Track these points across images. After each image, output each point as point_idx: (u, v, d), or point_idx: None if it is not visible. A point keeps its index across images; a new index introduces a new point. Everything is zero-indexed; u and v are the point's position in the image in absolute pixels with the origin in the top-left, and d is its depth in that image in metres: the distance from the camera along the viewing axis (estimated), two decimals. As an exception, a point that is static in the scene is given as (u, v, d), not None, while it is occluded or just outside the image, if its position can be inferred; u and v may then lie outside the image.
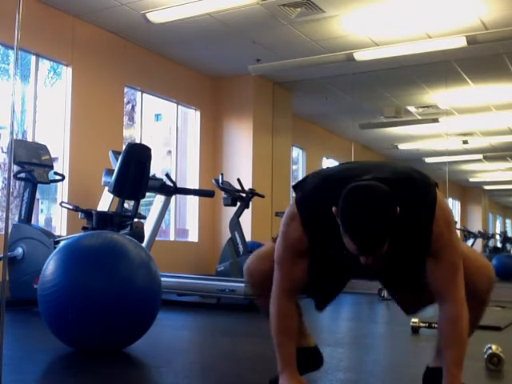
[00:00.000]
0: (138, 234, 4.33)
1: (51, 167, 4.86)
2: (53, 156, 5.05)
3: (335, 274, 2.01)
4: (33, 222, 4.80)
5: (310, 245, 1.83)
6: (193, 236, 7.92)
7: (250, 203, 6.86)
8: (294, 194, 1.89)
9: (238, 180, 6.79)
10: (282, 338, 1.98)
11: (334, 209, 1.68)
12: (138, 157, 4.32)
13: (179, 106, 7.90)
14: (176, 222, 7.69)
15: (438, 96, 8.40)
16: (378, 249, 1.65)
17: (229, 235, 6.85)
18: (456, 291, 1.78)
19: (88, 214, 4.30)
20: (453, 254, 1.78)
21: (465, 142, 9.84)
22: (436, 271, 1.78)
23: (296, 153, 9.92)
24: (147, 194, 4.68)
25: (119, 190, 4.28)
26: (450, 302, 1.78)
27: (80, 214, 4.38)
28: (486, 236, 10.80)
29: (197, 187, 7.71)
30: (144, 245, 4.44)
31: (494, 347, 2.56)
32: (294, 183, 1.90)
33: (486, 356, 2.54)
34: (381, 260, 1.71)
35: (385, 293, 6.22)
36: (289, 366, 1.93)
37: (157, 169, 6.90)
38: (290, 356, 1.95)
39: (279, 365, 1.95)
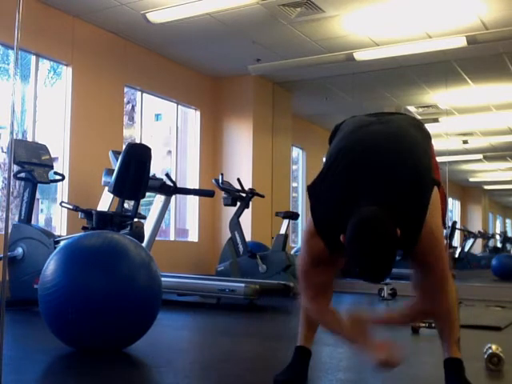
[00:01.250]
0: (138, 234, 4.33)
1: (51, 167, 4.86)
2: (53, 156, 5.05)
3: None
4: (33, 222, 4.80)
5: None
6: (193, 236, 7.92)
7: (250, 203, 6.87)
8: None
9: (238, 180, 6.79)
10: (327, 321, 2.02)
11: (341, 237, 1.76)
12: (138, 157, 4.32)
13: (179, 106, 7.90)
14: (176, 222, 7.69)
15: (438, 96, 8.40)
16: (382, 279, 1.76)
17: (229, 235, 6.85)
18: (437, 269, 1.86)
19: (88, 213, 4.30)
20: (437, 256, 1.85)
21: (465, 142, 9.85)
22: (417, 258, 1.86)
23: (296, 153, 9.92)
24: (147, 193, 4.68)
25: (119, 190, 4.28)
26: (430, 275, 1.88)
27: (80, 213, 4.38)
28: (486, 236, 10.79)
29: (197, 187, 7.71)
30: (144, 245, 4.44)
31: (494, 347, 2.56)
32: (309, 184, 1.94)
33: (485, 356, 2.54)
34: None
35: (385, 293, 6.22)
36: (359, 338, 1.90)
37: (157, 169, 6.90)
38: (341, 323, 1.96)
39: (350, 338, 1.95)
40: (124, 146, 4.65)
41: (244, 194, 6.76)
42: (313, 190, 1.91)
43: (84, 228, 4.24)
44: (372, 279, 1.76)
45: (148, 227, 4.90)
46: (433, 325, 3.57)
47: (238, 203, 6.75)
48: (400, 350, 1.79)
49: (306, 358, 2.23)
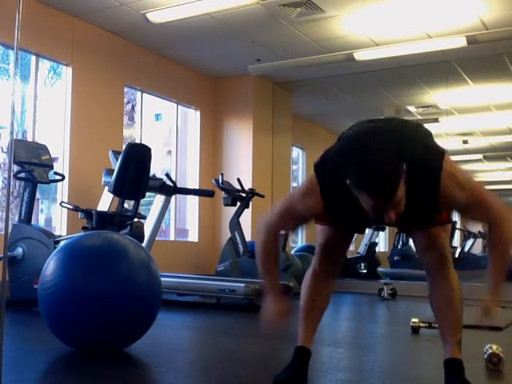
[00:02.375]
0: (138, 234, 4.33)
1: (51, 167, 4.86)
2: (53, 156, 5.05)
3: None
4: (33, 221, 4.79)
5: (325, 213, 1.98)
6: (193, 236, 7.92)
7: (250, 203, 6.87)
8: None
9: (238, 180, 6.79)
10: (269, 262, 2.13)
11: (348, 181, 1.79)
12: (138, 157, 4.33)
13: (179, 106, 7.89)
14: (176, 222, 7.69)
15: (438, 96, 8.40)
16: (392, 192, 1.73)
17: (229, 235, 6.85)
18: (492, 213, 1.91)
19: (88, 213, 4.30)
20: (471, 191, 1.89)
21: (465, 142, 9.85)
22: (468, 216, 2.00)
23: (296, 153, 9.92)
24: (147, 193, 4.68)
25: (119, 190, 4.28)
26: (492, 224, 1.93)
27: (80, 213, 4.38)
28: (486, 236, 10.79)
29: (197, 187, 7.71)
30: (144, 245, 4.44)
31: (494, 347, 2.56)
32: (316, 163, 2.00)
33: (485, 356, 2.54)
34: (400, 215, 1.80)
35: (385, 293, 6.22)
36: (273, 291, 2.10)
37: (157, 169, 6.89)
38: (274, 283, 2.13)
39: (266, 290, 2.12)
40: (124, 146, 4.65)
41: (244, 194, 6.76)
42: (321, 166, 1.97)
43: (84, 228, 4.24)
44: (376, 187, 1.73)
45: (148, 227, 4.90)
46: (433, 325, 3.58)
47: (238, 203, 6.75)
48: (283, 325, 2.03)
49: (305, 358, 2.23)
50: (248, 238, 7.21)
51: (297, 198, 2.03)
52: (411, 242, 9.82)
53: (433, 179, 1.86)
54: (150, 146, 4.56)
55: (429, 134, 2.05)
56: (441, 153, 1.90)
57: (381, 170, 1.73)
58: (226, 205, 6.69)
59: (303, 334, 2.26)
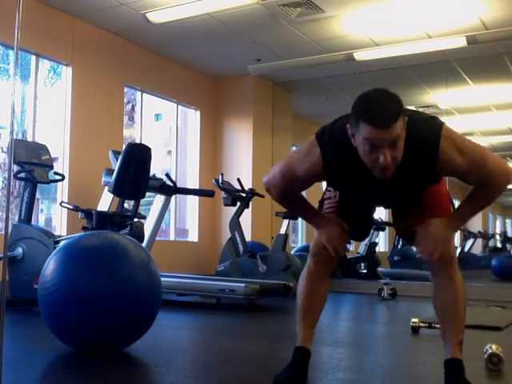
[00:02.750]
0: (138, 234, 4.32)
1: (51, 167, 4.86)
2: (53, 156, 5.05)
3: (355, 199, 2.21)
4: (33, 221, 4.79)
5: (324, 173, 2.01)
6: (193, 236, 7.92)
7: (250, 203, 6.87)
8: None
9: (238, 180, 6.79)
10: (298, 210, 2.26)
11: (347, 126, 1.86)
12: (138, 157, 4.32)
13: (179, 106, 7.89)
14: (176, 222, 7.69)
15: (438, 96, 8.40)
16: (391, 118, 1.77)
17: (229, 235, 6.85)
18: (494, 180, 1.91)
19: (88, 213, 4.30)
20: (472, 154, 1.90)
21: (465, 142, 9.83)
22: (469, 182, 1.96)
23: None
24: (147, 193, 4.68)
25: (119, 190, 4.28)
26: (488, 187, 1.94)
27: (80, 213, 4.37)
28: (486, 236, 10.80)
29: (197, 187, 7.71)
30: (144, 245, 4.44)
31: (494, 347, 2.56)
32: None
33: (485, 356, 2.54)
34: (395, 164, 1.82)
35: (385, 293, 6.22)
36: (319, 219, 2.20)
37: (157, 169, 6.89)
38: (314, 214, 2.23)
39: (313, 225, 2.22)
40: (124, 146, 4.64)
41: (244, 194, 6.76)
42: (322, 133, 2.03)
43: (84, 228, 4.24)
44: (380, 117, 1.77)
45: (148, 227, 4.90)
46: (433, 325, 3.58)
47: (238, 203, 6.75)
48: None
49: (305, 359, 2.23)
50: (248, 237, 7.22)
51: (296, 158, 2.06)
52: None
53: (432, 145, 1.86)
54: (150, 146, 4.56)
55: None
56: (439, 122, 1.91)
57: (382, 97, 1.83)
58: (225, 205, 6.69)
59: (302, 334, 2.26)
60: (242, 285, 4.89)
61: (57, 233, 5.70)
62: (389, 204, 2.34)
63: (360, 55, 6.92)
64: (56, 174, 5.06)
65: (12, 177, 3.98)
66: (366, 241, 8.46)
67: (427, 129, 1.89)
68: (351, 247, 8.92)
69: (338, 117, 2.05)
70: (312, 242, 2.27)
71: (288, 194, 2.14)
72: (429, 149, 1.86)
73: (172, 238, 7.60)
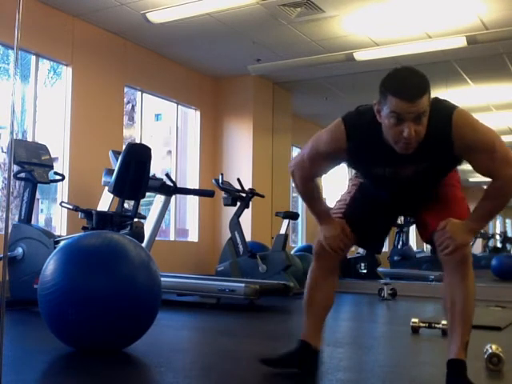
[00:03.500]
0: (138, 234, 4.32)
1: (51, 167, 4.86)
2: (53, 156, 5.05)
3: (375, 203, 2.30)
4: (33, 221, 4.79)
5: (347, 153, 2.10)
6: (193, 236, 7.92)
7: (250, 203, 6.87)
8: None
9: (238, 180, 6.79)
10: (312, 202, 2.31)
11: (373, 103, 1.97)
12: (138, 157, 4.32)
13: (179, 106, 7.90)
14: (176, 222, 7.69)
15: (438, 96, 8.38)
16: (419, 93, 1.88)
17: (229, 235, 6.85)
18: (503, 170, 1.97)
19: (88, 213, 4.30)
20: (482, 137, 1.99)
21: (465, 142, 9.84)
22: (475, 162, 2.02)
23: (296, 153, 9.92)
24: (147, 193, 4.68)
25: (119, 190, 4.28)
26: (497, 179, 1.99)
27: (80, 213, 4.37)
28: (486, 236, 10.79)
29: (197, 187, 7.71)
30: (144, 245, 4.44)
31: (494, 347, 2.56)
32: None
33: (485, 356, 2.54)
34: (418, 140, 1.91)
35: (385, 293, 6.22)
36: (325, 218, 2.29)
37: (157, 169, 6.89)
38: (323, 211, 2.31)
39: (318, 221, 2.31)
40: (124, 146, 4.64)
41: (244, 194, 6.76)
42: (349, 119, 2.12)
43: (84, 228, 4.24)
44: (404, 84, 1.90)
45: (148, 227, 4.90)
46: (433, 325, 3.58)
47: (238, 203, 6.75)
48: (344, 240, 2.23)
49: (302, 351, 2.33)
50: (248, 237, 7.22)
51: (322, 137, 2.17)
52: (412, 242, 9.83)
53: (446, 120, 1.96)
54: (150, 146, 4.56)
55: None
56: (455, 104, 2.04)
57: (410, 73, 1.94)
58: (225, 205, 6.69)
59: (305, 329, 2.36)
60: (242, 285, 4.89)
61: (57, 233, 5.70)
62: (408, 200, 2.31)
63: (360, 55, 6.92)
64: (56, 173, 5.06)
65: (12, 177, 3.98)
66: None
67: (444, 108, 2.01)
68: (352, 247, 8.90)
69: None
70: (315, 241, 2.35)
71: (310, 178, 2.24)
72: (443, 124, 1.95)
73: (172, 238, 7.60)
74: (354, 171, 2.40)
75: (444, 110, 2.01)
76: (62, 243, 3.62)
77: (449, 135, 1.95)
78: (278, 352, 2.44)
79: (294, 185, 2.33)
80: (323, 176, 2.30)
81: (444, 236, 2.02)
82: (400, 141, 1.91)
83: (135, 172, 4.27)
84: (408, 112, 1.87)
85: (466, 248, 2.05)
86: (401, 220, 8.88)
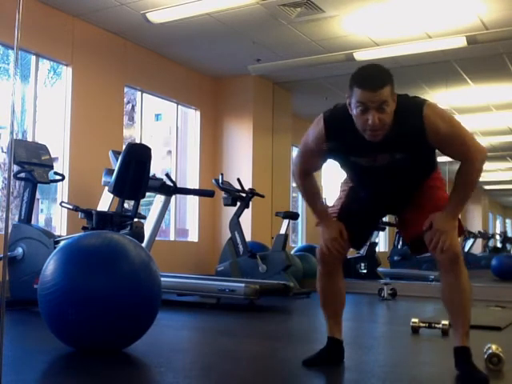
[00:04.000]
0: (138, 234, 4.32)
1: (51, 167, 4.86)
2: (53, 156, 5.05)
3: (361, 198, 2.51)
4: (33, 221, 4.79)
5: (327, 144, 2.31)
6: (193, 236, 7.92)
7: (250, 203, 6.86)
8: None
9: (238, 180, 6.79)
10: (310, 198, 2.53)
11: (346, 95, 2.17)
12: (138, 157, 4.32)
13: (179, 106, 7.89)
14: (176, 222, 7.69)
15: (438, 96, 8.39)
16: (380, 84, 2.09)
17: (229, 235, 6.85)
18: (472, 153, 2.19)
19: (88, 213, 4.30)
20: (451, 127, 2.19)
21: (465, 142, 9.82)
22: (446, 150, 2.23)
23: (296, 153, 9.90)
24: (147, 193, 4.68)
25: (119, 190, 4.27)
26: (466, 162, 2.21)
27: (80, 213, 4.37)
28: (486, 236, 10.79)
29: (197, 187, 7.71)
30: (144, 245, 4.44)
31: (493, 347, 2.56)
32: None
33: (485, 356, 2.54)
34: (383, 128, 2.12)
35: (385, 293, 6.22)
36: (324, 217, 2.50)
37: (157, 169, 6.89)
38: (322, 211, 2.53)
39: (318, 219, 2.51)
40: (124, 146, 4.64)
41: (244, 194, 6.76)
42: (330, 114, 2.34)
43: (84, 228, 4.24)
44: (368, 79, 2.13)
45: (148, 227, 4.90)
46: (433, 325, 3.58)
47: (238, 203, 6.74)
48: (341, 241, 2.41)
49: (332, 345, 2.58)
50: (248, 237, 7.21)
51: (307, 133, 2.39)
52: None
53: (417, 112, 2.14)
54: (149, 146, 4.56)
55: None
56: (425, 99, 2.22)
57: (373, 68, 2.19)
58: (225, 205, 6.69)
59: (329, 326, 2.62)
60: (242, 285, 4.89)
61: (57, 233, 5.70)
62: (392, 198, 2.50)
63: (360, 55, 6.92)
64: (56, 173, 5.06)
65: (12, 177, 3.98)
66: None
67: (414, 102, 2.21)
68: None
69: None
70: (317, 249, 2.56)
71: (306, 174, 2.47)
72: (415, 115, 2.14)
73: (172, 238, 7.60)
74: (344, 176, 2.61)
75: (414, 102, 2.21)
76: (61, 243, 3.62)
77: (420, 126, 2.13)
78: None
79: (295, 184, 2.56)
80: (323, 179, 2.51)
81: (435, 234, 2.22)
82: (367, 128, 2.12)
83: (135, 172, 4.27)
84: (371, 101, 2.09)
85: (456, 247, 2.26)
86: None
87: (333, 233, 2.43)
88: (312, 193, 2.53)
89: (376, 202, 2.51)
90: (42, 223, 7.37)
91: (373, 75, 2.15)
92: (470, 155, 2.18)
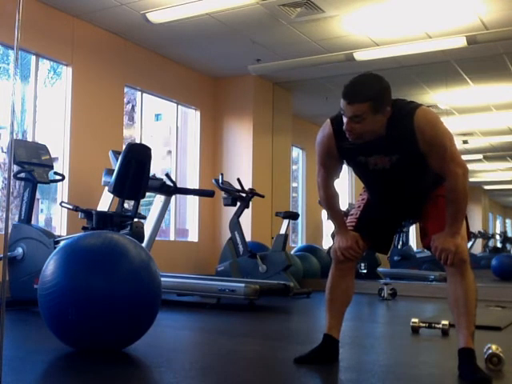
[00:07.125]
0: (138, 234, 4.32)
1: (51, 167, 4.86)
2: (53, 156, 5.05)
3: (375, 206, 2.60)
4: (33, 222, 4.79)
5: (337, 145, 2.42)
6: (193, 236, 7.92)
7: (250, 203, 6.87)
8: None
9: (238, 180, 6.79)
10: (332, 210, 2.62)
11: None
12: (138, 157, 4.32)
13: (179, 106, 7.90)
14: (176, 222, 7.69)
15: (438, 96, 8.40)
16: (358, 98, 2.16)
17: (229, 235, 6.85)
18: (452, 167, 2.26)
19: (88, 213, 4.30)
20: (439, 139, 2.23)
21: (465, 142, 9.84)
22: (430, 158, 2.26)
23: (296, 153, 9.92)
24: (147, 193, 4.68)
25: (119, 190, 4.27)
26: (448, 177, 2.28)
27: (80, 214, 4.37)
28: (486, 236, 10.79)
29: (197, 187, 7.71)
30: (144, 245, 4.44)
31: (493, 347, 2.56)
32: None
33: (485, 356, 2.54)
34: (358, 135, 2.24)
35: (385, 293, 6.22)
36: (342, 229, 2.60)
37: (157, 169, 6.90)
38: (342, 224, 2.61)
39: (336, 229, 2.62)
40: (124, 146, 4.64)
41: (244, 194, 6.76)
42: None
43: (84, 228, 4.24)
44: (350, 91, 2.20)
45: (148, 227, 4.90)
46: (433, 325, 3.58)
47: (238, 203, 6.75)
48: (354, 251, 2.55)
49: (328, 343, 2.59)
50: (248, 237, 7.22)
51: (318, 140, 2.50)
52: (412, 242, 9.83)
53: (409, 116, 2.20)
54: (149, 146, 4.56)
55: None
56: (420, 104, 2.27)
57: (364, 79, 2.24)
58: (225, 205, 6.69)
59: (328, 322, 2.65)
60: (242, 285, 4.89)
61: (57, 233, 5.70)
62: (403, 204, 2.57)
63: (360, 55, 6.92)
64: (56, 173, 5.06)
65: (12, 177, 3.98)
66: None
67: (409, 106, 2.27)
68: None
69: None
70: (332, 248, 2.67)
71: (328, 182, 2.55)
72: (407, 119, 2.20)
73: (172, 237, 7.60)
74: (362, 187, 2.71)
75: (409, 106, 2.25)
76: (62, 243, 3.62)
77: (412, 130, 2.20)
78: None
79: (319, 197, 2.62)
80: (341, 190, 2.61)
81: (439, 252, 2.31)
82: (346, 132, 2.26)
83: (135, 172, 4.27)
84: (346, 110, 2.21)
85: (463, 253, 2.32)
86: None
87: (349, 242, 2.55)
88: (334, 205, 2.60)
89: (390, 209, 2.59)
90: (42, 223, 7.37)
91: (355, 89, 2.21)
92: (450, 169, 2.24)
